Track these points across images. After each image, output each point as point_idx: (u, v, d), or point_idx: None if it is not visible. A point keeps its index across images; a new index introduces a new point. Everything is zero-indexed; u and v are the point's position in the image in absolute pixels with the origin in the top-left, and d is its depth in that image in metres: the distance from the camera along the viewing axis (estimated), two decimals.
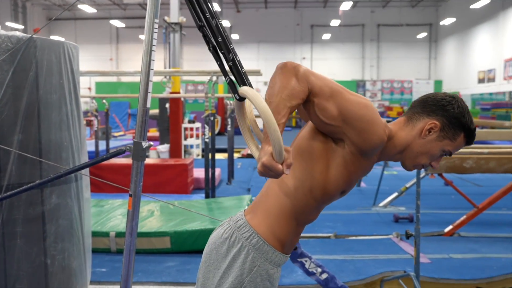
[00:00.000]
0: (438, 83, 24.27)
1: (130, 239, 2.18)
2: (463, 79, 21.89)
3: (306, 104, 1.32)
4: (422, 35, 24.78)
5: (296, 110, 1.44)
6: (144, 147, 2.03)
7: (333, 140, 1.37)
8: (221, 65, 1.42)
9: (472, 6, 18.72)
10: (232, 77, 1.38)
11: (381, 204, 5.57)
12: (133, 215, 2.14)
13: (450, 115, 1.38)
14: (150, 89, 2.00)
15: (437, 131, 1.39)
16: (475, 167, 4.27)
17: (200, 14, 1.40)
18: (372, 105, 1.35)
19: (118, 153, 2.19)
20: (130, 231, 2.16)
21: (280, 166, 1.16)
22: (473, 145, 6.08)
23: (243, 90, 1.23)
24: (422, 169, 4.32)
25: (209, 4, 1.40)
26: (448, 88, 23.31)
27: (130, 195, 2.09)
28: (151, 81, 1.99)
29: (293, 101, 1.24)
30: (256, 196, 1.60)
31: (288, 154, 1.16)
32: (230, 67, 1.39)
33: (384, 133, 1.35)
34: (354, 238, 4.44)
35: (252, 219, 1.42)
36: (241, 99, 1.30)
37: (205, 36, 1.39)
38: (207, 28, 1.39)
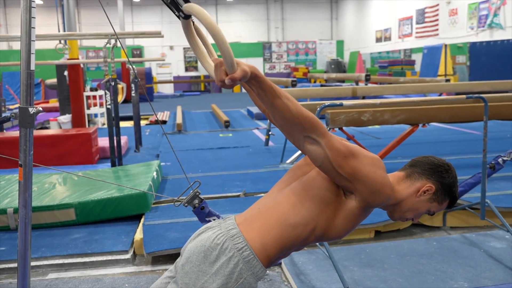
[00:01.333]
0: (340, 43, 25.16)
1: (24, 212, 2.06)
2: (362, 39, 22.86)
3: (317, 153, 1.36)
4: None
5: None
6: (32, 112, 1.90)
7: (344, 193, 1.46)
8: None
9: None
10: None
11: (288, 161, 5.74)
12: (25, 186, 2.01)
13: (445, 182, 1.53)
14: (33, 50, 1.86)
15: (431, 193, 1.53)
16: (372, 120, 4.52)
17: None
18: (382, 164, 1.45)
19: (3, 121, 2.04)
20: (23, 203, 2.04)
21: (223, 73, 1.16)
22: (368, 99, 6.41)
23: (187, 6, 1.21)
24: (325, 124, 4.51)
25: None
26: (348, 47, 24.26)
27: (20, 165, 1.96)
28: (33, 41, 1.85)
29: (288, 101, 1.28)
30: (245, 206, 1.60)
31: (241, 72, 1.15)
32: None
33: (391, 193, 1.47)
34: (263, 195, 4.55)
35: (247, 232, 1.43)
36: (187, 17, 1.26)
37: None
38: None
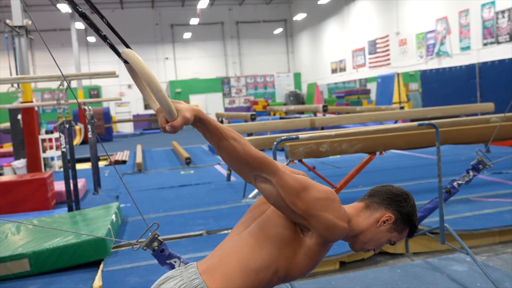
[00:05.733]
0: (297, 76, 25.68)
1: None
2: (318, 70, 23.43)
3: (270, 192, 1.35)
4: (278, 30, 25.99)
5: None
6: None
7: (301, 230, 1.43)
8: (96, 31, 1.32)
9: (319, 2, 20.08)
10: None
11: (250, 196, 5.71)
12: None
13: (404, 212, 1.53)
14: None
15: (390, 223, 1.52)
16: (330, 150, 4.57)
17: None
18: (336, 197, 1.43)
19: None
20: None
21: (164, 121, 1.17)
22: (325, 130, 6.52)
23: (124, 53, 1.20)
24: (285, 158, 4.53)
25: None
26: (306, 79, 24.78)
27: None
28: None
29: (236, 143, 1.27)
30: (208, 252, 1.53)
31: (181, 119, 1.15)
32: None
33: (347, 225, 1.45)
34: (226, 232, 4.49)
35: (210, 281, 1.39)
36: (127, 61, 1.24)
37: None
38: None
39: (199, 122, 1.22)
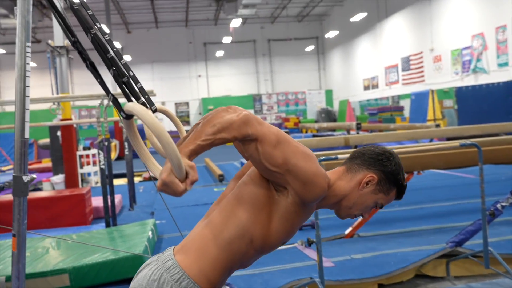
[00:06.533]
0: (329, 93, 25.61)
1: (17, 283, 2.00)
2: (350, 87, 23.31)
3: (250, 149, 1.30)
4: (310, 48, 26.05)
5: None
6: (26, 181, 1.88)
7: (276, 190, 1.37)
8: (101, 83, 1.33)
9: (352, 19, 20.07)
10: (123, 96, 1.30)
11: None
12: (19, 256, 1.96)
13: (387, 171, 1.44)
14: (27, 118, 1.86)
15: (374, 184, 1.44)
16: None
17: (71, 29, 1.32)
18: (314, 155, 1.37)
19: None
20: (16, 274, 1.98)
21: (179, 183, 1.11)
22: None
23: (128, 106, 1.15)
24: None
25: (91, 18, 1.33)
26: (337, 96, 24.68)
27: (14, 235, 1.92)
28: (27, 109, 1.85)
29: (222, 133, 1.22)
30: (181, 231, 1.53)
31: (193, 170, 1.12)
32: (123, 83, 1.31)
33: (326, 184, 1.37)
34: None
35: (183, 260, 1.35)
36: (128, 117, 1.21)
37: (81, 53, 1.31)
38: (81, 45, 1.31)
39: (194, 155, 1.20)
